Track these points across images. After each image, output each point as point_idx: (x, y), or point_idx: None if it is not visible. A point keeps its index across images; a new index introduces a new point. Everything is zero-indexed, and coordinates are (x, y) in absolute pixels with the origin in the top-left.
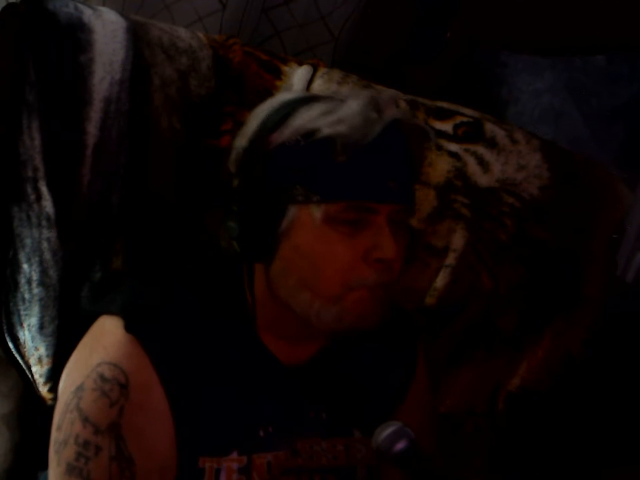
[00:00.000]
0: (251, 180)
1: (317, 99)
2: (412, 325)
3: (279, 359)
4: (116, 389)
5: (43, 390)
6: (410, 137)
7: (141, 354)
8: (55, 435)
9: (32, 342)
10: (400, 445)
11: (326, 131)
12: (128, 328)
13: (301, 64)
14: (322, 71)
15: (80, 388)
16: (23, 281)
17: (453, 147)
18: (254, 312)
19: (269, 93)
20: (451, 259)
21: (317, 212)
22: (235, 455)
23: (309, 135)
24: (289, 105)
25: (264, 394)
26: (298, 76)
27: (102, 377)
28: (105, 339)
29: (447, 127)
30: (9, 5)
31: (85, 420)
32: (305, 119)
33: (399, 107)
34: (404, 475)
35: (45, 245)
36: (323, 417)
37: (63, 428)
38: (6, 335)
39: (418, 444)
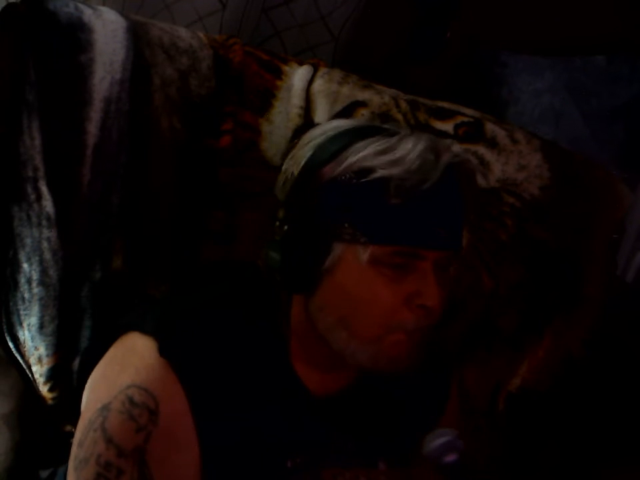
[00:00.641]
0: (299, 211)
1: (374, 130)
2: (447, 358)
3: (309, 389)
4: (145, 414)
5: (43, 389)
6: (463, 180)
7: (173, 380)
8: (75, 451)
9: (32, 341)
10: (450, 457)
11: (381, 172)
12: (162, 352)
13: (301, 64)
14: (322, 70)
15: (106, 407)
16: (22, 280)
17: (454, 147)
18: (289, 340)
19: (269, 92)
20: None
21: (363, 253)
22: None
23: (363, 173)
24: (344, 135)
25: (293, 423)
26: (298, 76)
27: (131, 400)
28: (136, 359)
29: (447, 127)
30: (8, 5)
31: (109, 441)
32: (359, 155)
33: (454, 150)
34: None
35: (44, 244)
36: (349, 447)
37: (85, 446)
38: (6, 334)
39: (466, 457)
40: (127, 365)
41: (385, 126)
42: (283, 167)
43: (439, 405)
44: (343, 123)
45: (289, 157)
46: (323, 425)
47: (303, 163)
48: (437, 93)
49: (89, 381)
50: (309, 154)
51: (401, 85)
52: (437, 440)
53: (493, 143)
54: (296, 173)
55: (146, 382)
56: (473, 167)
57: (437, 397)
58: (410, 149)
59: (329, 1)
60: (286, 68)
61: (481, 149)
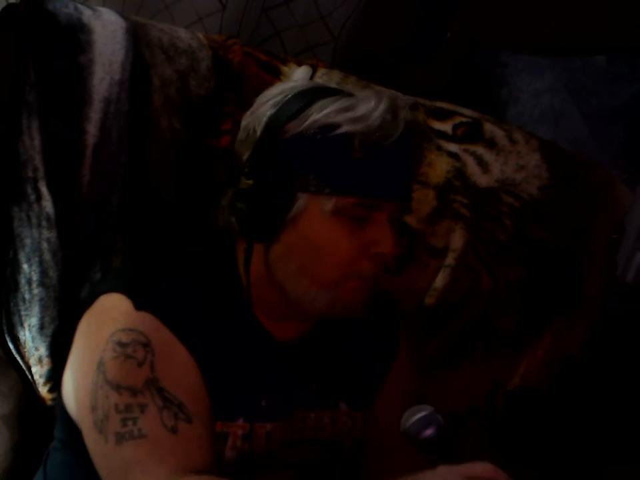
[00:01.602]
0: (264, 164)
1: (331, 91)
2: (393, 306)
3: (273, 335)
4: (139, 348)
5: (43, 390)
6: (417, 137)
7: (152, 318)
8: (91, 418)
9: (32, 342)
10: (429, 431)
11: (345, 128)
12: (137, 305)
13: (300, 64)
14: (322, 71)
15: (100, 363)
16: (23, 281)
17: (453, 147)
18: (249, 290)
19: None
20: (450, 259)
21: (327, 203)
22: (240, 422)
23: (328, 129)
24: (306, 94)
25: (262, 366)
26: (297, 76)
27: (120, 343)
28: (112, 312)
29: (446, 127)
30: (9, 5)
31: (118, 388)
32: (324, 112)
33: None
34: (418, 456)
35: (44, 245)
36: (312, 389)
37: (99, 406)
38: (6, 335)
39: (445, 430)
40: (104, 320)
41: (341, 88)
42: (243, 123)
43: (390, 351)
44: (300, 83)
45: (248, 113)
46: (288, 369)
47: (265, 119)
48: (437, 93)
49: (70, 359)
50: (271, 111)
51: (401, 85)
52: (415, 415)
53: (491, 143)
54: (258, 129)
55: (128, 324)
56: (423, 124)
57: (388, 343)
58: (372, 106)
59: (329, 1)
60: (285, 68)
61: (480, 149)
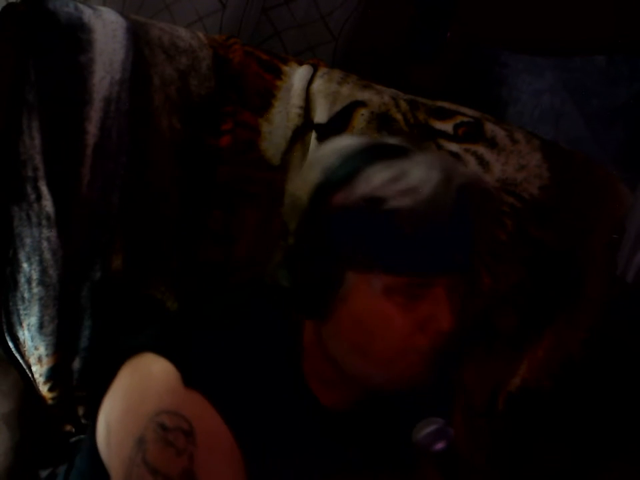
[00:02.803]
0: (310, 239)
1: (383, 150)
2: (450, 372)
3: (323, 404)
4: (181, 437)
5: (43, 389)
6: (474, 201)
7: (200, 399)
8: None
9: (32, 341)
10: (440, 445)
11: (393, 203)
12: (187, 382)
13: (301, 64)
14: (322, 70)
15: (141, 441)
16: (22, 280)
17: (453, 146)
18: (301, 358)
19: (269, 92)
20: None
21: (377, 283)
22: None
23: (375, 203)
24: (354, 159)
25: (310, 436)
26: (298, 76)
27: (163, 427)
28: (157, 384)
29: (447, 126)
30: (8, 5)
31: (155, 472)
32: (371, 185)
33: (465, 165)
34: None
35: (44, 244)
36: (357, 460)
37: None
38: (6, 334)
39: (455, 445)
40: (148, 392)
41: (393, 141)
42: (291, 190)
43: (443, 413)
44: (351, 142)
45: (298, 178)
46: (336, 437)
47: (312, 189)
48: (437, 92)
49: (107, 407)
50: (317, 178)
51: (401, 85)
52: (427, 428)
53: (492, 143)
54: (305, 198)
55: (173, 406)
56: (484, 183)
57: (441, 405)
58: (422, 176)
59: (329, 1)
60: (286, 68)
61: (481, 149)
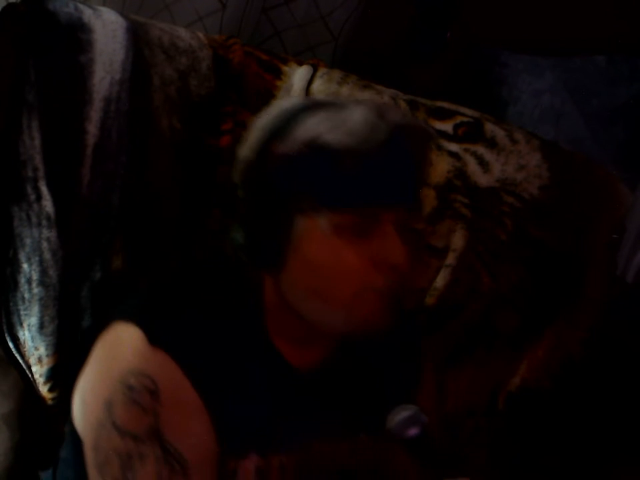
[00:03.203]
0: (257, 191)
1: (318, 105)
2: (415, 326)
3: (291, 363)
4: (146, 395)
5: (43, 389)
6: (413, 140)
7: (165, 357)
8: (92, 456)
9: (32, 342)
10: (413, 431)
11: (331, 142)
12: (152, 340)
13: (301, 64)
14: (322, 71)
15: (110, 403)
16: (22, 280)
17: (453, 146)
18: (265, 317)
19: (269, 93)
20: (450, 259)
21: (324, 222)
22: (253, 456)
23: (313, 144)
24: (291, 113)
25: (278, 397)
26: (298, 76)
27: (129, 387)
28: (124, 348)
29: (447, 126)
30: (9, 5)
31: (122, 432)
32: (307, 128)
33: (400, 108)
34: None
35: (44, 244)
36: (332, 419)
37: (101, 446)
38: (6, 334)
39: (429, 430)
40: (117, 356)
41: (330, 99)
42: (237, 155)
43: (412, 377)
44: (288, 102)
45: (242, 144)
46: (308, 397)
47: (254, 145)
48: (437, 93)
49: (81, 383)
50: (259, 135)
51: (401, 85)
52: (400, 414)
53: (492, 143)
54: (250, 153)
55: (139, 366)
56: (420, 123)
57: (410, 370)
58: (358, 119)
59: (329, 1)
60: (285, 68)
61: (481, 149)
